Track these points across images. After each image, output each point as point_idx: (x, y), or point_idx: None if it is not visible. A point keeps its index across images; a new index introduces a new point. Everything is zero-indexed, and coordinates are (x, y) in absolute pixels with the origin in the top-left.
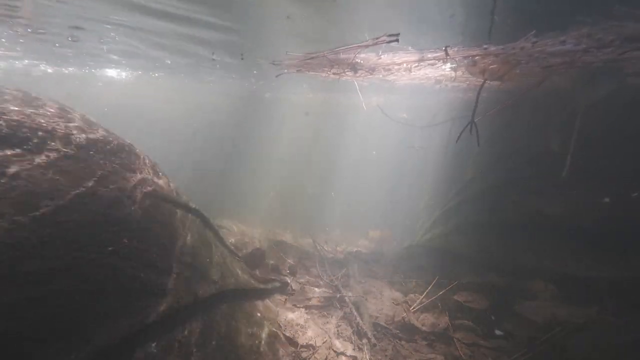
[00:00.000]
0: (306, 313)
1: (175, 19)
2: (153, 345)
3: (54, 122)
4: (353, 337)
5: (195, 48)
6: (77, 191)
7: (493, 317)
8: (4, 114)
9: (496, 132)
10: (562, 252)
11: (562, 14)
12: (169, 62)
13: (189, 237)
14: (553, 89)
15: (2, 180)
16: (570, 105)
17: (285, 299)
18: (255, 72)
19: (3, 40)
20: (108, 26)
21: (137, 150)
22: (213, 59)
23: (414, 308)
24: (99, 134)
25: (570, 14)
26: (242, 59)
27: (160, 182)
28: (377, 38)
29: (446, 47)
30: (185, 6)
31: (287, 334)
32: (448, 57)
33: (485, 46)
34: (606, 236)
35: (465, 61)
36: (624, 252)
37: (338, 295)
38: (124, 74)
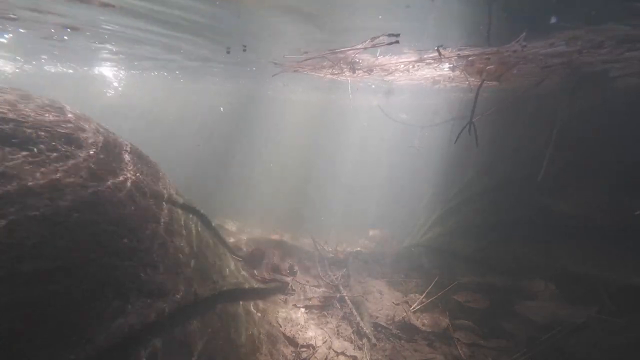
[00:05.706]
0: (306, 313)
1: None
2: (153, 344)
3: (58, 123)
4: (353, 337)
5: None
6: (77, 191)
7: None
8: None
9: (497, 131)
10: (566, 250)
11: (546, 18)
12: (171, 60)
13: (189, 237)
14: (548, 91)
15: (2, 180)
16: (554, 112)
17: (285, 299)
18: (254, 69)
19: None
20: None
21: (138, 150)
22: (228, 53)
23: (414, 308)
24: (100, 134)
25: (553, 18)
26: (227, 52)
27: (161, 182)
28: (375, 38)
29: (438, 47)
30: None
31: (287, 334)
32: (442, 57)
33: (460, 49)
34: (620, 236)
35: (462, 62)
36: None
37: (338, 295)
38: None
